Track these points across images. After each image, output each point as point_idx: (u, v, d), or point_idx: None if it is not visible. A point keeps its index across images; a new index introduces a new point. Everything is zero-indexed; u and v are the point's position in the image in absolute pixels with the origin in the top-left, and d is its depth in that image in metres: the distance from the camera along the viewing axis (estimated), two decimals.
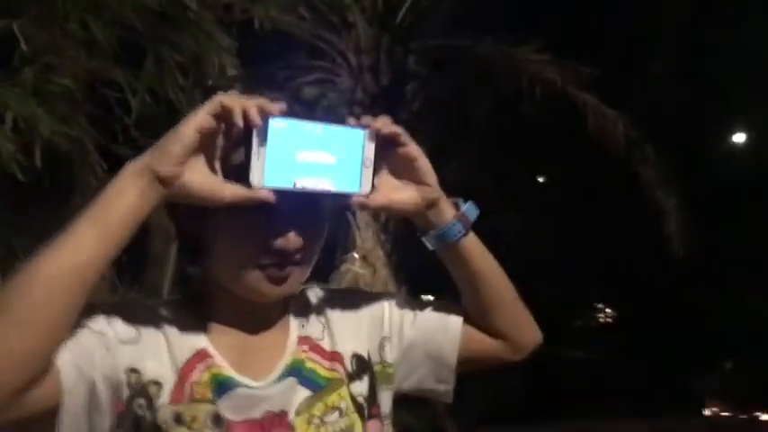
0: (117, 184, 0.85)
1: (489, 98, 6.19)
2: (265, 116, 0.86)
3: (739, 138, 9.77)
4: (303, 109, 1.01)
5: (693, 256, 5.22)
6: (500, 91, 5.61)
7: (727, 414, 4.05)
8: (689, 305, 7.34)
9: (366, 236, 5.48)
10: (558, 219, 8.68)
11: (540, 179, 10.26)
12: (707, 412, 4.20)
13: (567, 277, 9.31)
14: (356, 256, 5.53)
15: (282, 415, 0.96)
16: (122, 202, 0.84)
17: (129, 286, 3.54)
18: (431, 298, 1.23)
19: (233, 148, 0.89)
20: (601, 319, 10.72)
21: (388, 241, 6.01)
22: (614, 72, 5.77)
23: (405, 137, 0.97)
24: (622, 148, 5.00)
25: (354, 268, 5.58)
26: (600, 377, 6.53)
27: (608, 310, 10.64)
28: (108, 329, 0.91)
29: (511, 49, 5.23)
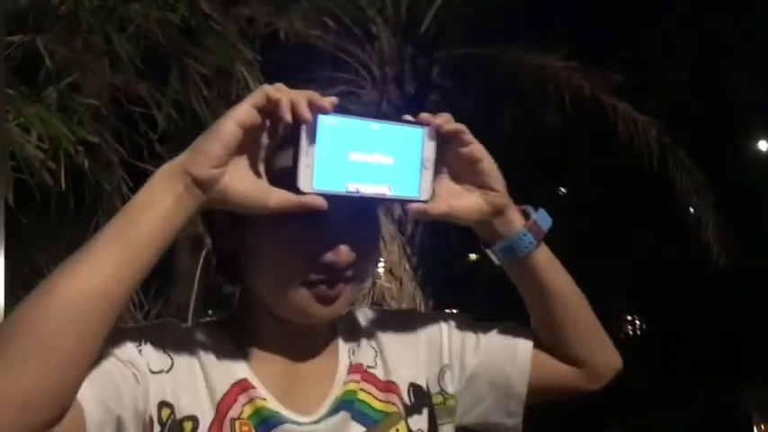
0: (146, 191, 0.74)
1: (515, 107, 6.11)
2: (315, 111, 0.76)
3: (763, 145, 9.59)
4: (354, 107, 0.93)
5: (731, 264, 5.08)
6: (527, 100, 5.52)
7: None
8: (725, 316, 7.15)
9: (392, 248, 5.38)
10: (587, 228, 8.53)
11: (563, 189, 10.13)
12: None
13: (596, 289, 9.11)
14: (382, 269, 5.44)
15: None
16: (153, 212, 0.73)
17: (153, 302, 3.48)
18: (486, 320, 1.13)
19: (279, 147, 0.79)
20: (631, 332, 10.51)
21: (414, 254, 5.92)
22: (639, 79, 5.65)
23: (468, 135, 0.87)
24: (656, 155, 4.87)
25: (380, 282, 5.49)
26: (630, 390, 6.37)
27: (638, 323, 10.42)
28: (138, 358, 0.80)
29: (537, 56, 5.14)
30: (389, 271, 5.50)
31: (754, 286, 6.76)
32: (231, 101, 4.13)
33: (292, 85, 0.79)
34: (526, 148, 7.13)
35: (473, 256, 10.82)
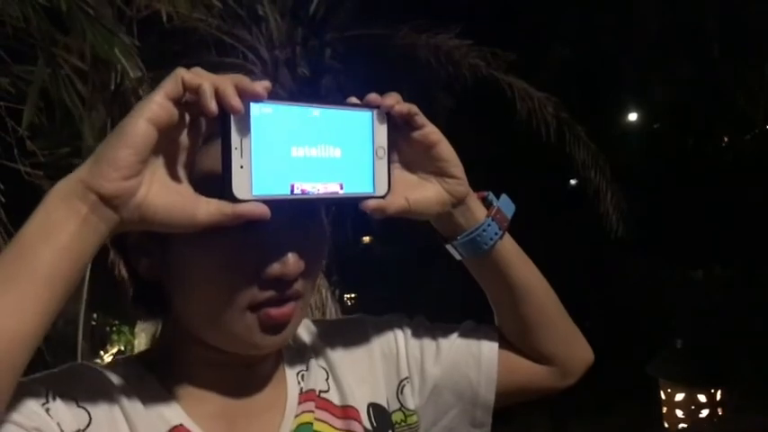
0: (40, 217, 0.58)
1: (412, 88, 6.06)
2: (246, 99, 0.62)
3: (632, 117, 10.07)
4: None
5: (635, 234, 5.30)
6: (423, 81, 5.46)
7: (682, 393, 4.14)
8: (629, 289, 7.49)
9: None
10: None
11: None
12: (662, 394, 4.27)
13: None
14: None
15: None
16: (52, 244, 0.57)
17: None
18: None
19: (204, 145, 0.66)
20: None
21: None
22: (529, 56, 5.74)
23: (421, 117, 0.76)
24: (554, 130, 4.95)
25: None
26: None
27: None
28: (47, 421, 0.65)
29: (430, 37, 5.08)
30: None
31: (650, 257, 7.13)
32: (109, 92, 3.80)
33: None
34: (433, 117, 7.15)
35: (366, 239, 10.83)
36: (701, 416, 4.01)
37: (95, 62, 3.40)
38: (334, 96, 5.95)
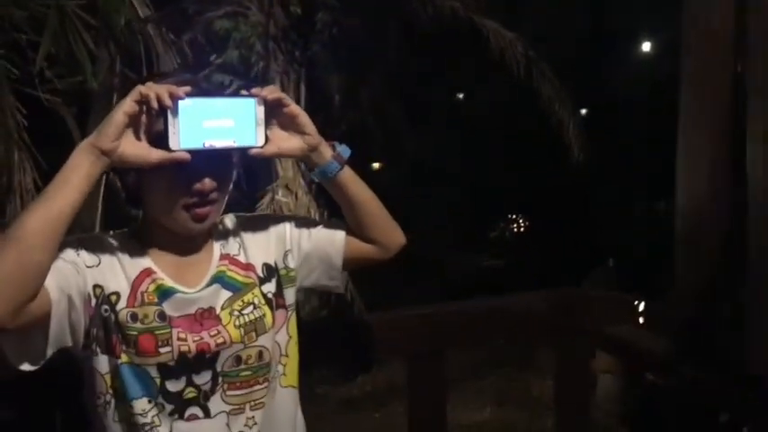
0: (72, 161, 1.16)
1: (399, 24, 6.43)
2: (175, 98, 1.17)
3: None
4: (210, 87, 1.33)
5: (591, 165, 5.79)
6: (409, 21, 5.85)
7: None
8: (586, 211, 8.05)
9: (286, 166, 5.75)
10: (472, 135, 9.13)
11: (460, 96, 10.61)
12: None
13: (483, 190, 9.88)
14: (278, 185, 5.81)
15: (211, 310, 1.31)
16: (78, 173, 1.15)
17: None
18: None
19: (155, 122, 1.20)
20: (515, 229, 11.45)
21: (308, 169, 6.28)
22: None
23: (287, 99, 1.29)
24: (523, 68, 5.40)
25: (278, 197, 5.88)
26: (510, 281, 7.17)
27: (521, 221, 11.36)
28: (77, 259, 1.22)
29: None
30: (286, 186, 5.88)
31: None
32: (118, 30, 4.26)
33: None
34: (412, 60, 7.54)
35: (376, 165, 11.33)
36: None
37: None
38: (328, 31, 6.33)
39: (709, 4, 2.09)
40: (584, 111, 11.82)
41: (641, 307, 4.62)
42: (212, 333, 1.29)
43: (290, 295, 1.42)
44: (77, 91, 4.46)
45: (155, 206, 1.28)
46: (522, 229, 11.34)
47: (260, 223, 1.44)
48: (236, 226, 1.42)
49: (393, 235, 1.48)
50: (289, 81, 6.10)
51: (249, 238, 1.41)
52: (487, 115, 9.44)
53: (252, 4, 5.82)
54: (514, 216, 11.26)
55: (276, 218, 1.48)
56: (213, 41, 6.05)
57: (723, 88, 2.08)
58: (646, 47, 10.98)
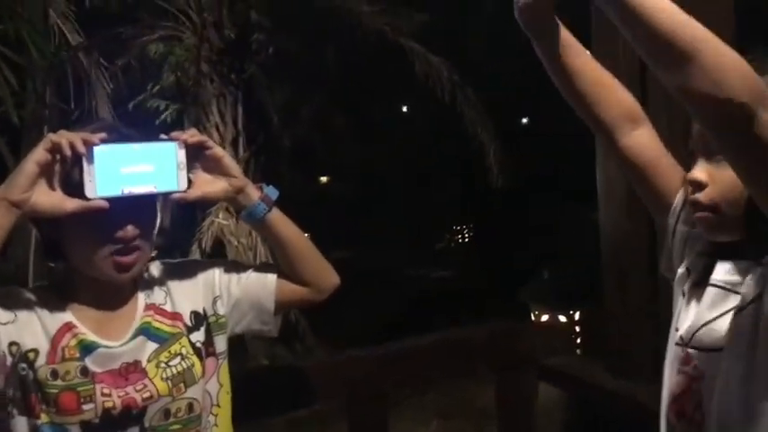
0: None
1: (334, 47, 6.51)
2: (90, 144, 1.15)
3: None
4: (130, 133, 1.27)
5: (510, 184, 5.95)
6: (341, 42, 5.94)
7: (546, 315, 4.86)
8: (527, 220, 8.29)
9: None
10: (412, 152, 9.27)
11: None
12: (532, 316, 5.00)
13: (425, 203, 10.03)
14: (219, 208, 5.79)
15: (137, 363, 1.27)
16: None
17: None
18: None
19: (70, 170, 1.16)
20: (460, 240, 11.63)
21: None
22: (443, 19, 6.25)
23: (209, 143, 1.29)
24: (448, 92, 5.54)
25: (218, 220, 5.85)
26: (455, 292, 7.30)
27: (465, 232, 11.55)
28: None
29: (345, 1, 5.55)
30: (226, 209, 5.86)
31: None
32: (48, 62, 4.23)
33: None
34: (350, 80, 7.63)
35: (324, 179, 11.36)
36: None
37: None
38: (264, 51, 6.36)
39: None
40: (525, 120, 12.13)
41: (562, 319, 4.82)
42: (138, 387, 1.25)
43: (220, 343, 1.38)
44: (8, 120, 4.41)
45: (76, 256, 1.25)
46: (466, 240, 11.52)
47: (187, 270, 1.40)
48: (161, 274, 1.38)
49: (326, 276, 1.45)
50: (226, 103, 6.09)
51: (176, 285, 1.37)
52: (428, 127, 9.59)
53: (187, 28, 5.82)
54: (458, 227, 11.44)
55: (204, 263, 1.45)
56: (148, 66, 6.01)
57: None
58: None
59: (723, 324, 1.02)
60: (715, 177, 1.04)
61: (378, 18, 5.42)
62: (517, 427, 2.38)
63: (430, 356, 2.25)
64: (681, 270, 1.16)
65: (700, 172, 1.05)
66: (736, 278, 1.04)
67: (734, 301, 1.03)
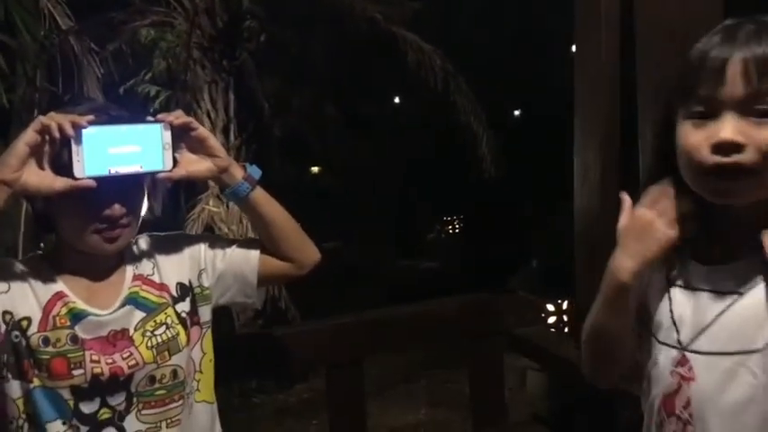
0: None
1: (327, 34, 6.49)
2: (78, 127, 1.19)
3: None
4: (120, 114, 1.31)
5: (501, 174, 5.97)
6: (333, 31, 5.93)
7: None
8: (516, 210, 8.34)
9: None
10: (406, 138, 9.27)
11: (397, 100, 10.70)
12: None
13: (418, 192, 10.04)
14: (209, 195, 5.79)
15: (124, 332, 1.33)
16: None
17: None
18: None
19: (59, 150, 1.22)
20: (450, 231, 11.66)
21: None
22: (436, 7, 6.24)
23: (194, 123, 1.32)
24: (440, 81, 5.54)
25: (208, 207, 5.86)
26: (444, 282, 7.31)
27: (455, 223, 11.58)
28: None
29: None
30: (217, 196, 5.86)
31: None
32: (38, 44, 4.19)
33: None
34: (341, 69, 7.61)
35: (315, 170, 11.34)
36: (549, 321, 4.82)
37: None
38: (256, 38, 6.34)
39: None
40: (517, 112, 12.14)
41: (550, 308, 4.88)
42: (125, 355, 1.30)
43: (205, 313, 1.44)
44: None
45: (65, 231, 1.30)
46: (456, 231, 11.56)
47: (174, 243, 1.46)
48: (149, 246, 1.44)
49: (307, 252, 1.50)
50: (217, 90, 6.08)
51: (163, 258, 1.43)
52: (419, 118, 9.60)
53: (178, 13, 5.79)
54: (449, 218, 11.47)
55: (191, 237, 1.50)
56: (139, 52, 5.98)
57: (612, 106, 2.18)
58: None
59: (723, 328, 1.01)
60: (753, 137, 0.93)
61: (370, 6, 5.41)
62: (487, 395, 2.46)
63: (404, 325, 2.35)
64: (659, 275, 1.13)
65: (735, 132, 0.94)
66: (729, 281, 1.01)
67: (729, 301, 1.01)
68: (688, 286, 1.08)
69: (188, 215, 5.86)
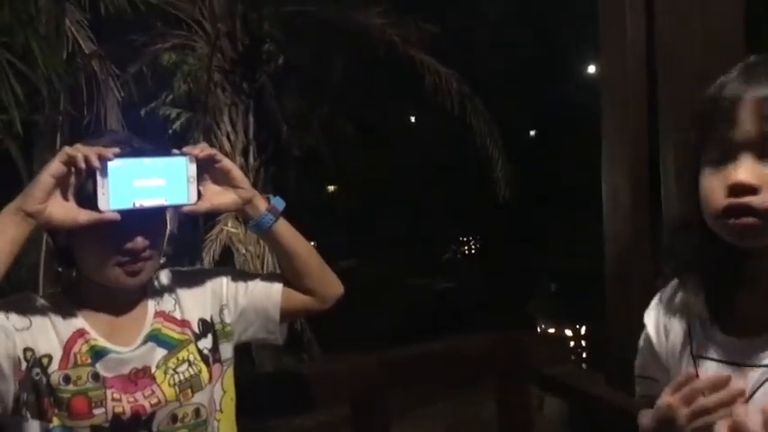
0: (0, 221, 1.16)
1: (343, 59, 6.55)
2: (104, 159, 1.18)
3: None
4: (143, 146, 1.28)
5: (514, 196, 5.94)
6: (351, 53, 5.98)
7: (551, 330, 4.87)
8: (534, 233, 8.29)
9: None
10: (420, 163, 9.30)
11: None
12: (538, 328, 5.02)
13: (435, 212, 10.04)
14: (227, 216, 5.82)
15: (146, 369, 1.29)
16: (3, 237, 1.15)
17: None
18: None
19: (84, 182, 1.19)
20: (466, 251, 11.63)
21: None
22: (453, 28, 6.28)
23: (219, 156, 1.31)
24: (457, 104, 5.55)
25: (227, 228, 5.89)
26: (459, 302, 7.30)
27: (472, 243, 11.55)
28: (6, 323, 1.21)
29: (355, 12, 5.59)
30: (236, 217, 5.90)
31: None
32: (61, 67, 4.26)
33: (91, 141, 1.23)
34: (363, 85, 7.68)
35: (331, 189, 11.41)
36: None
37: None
38: (275, 61, 6.41)
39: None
40: (532, 132, 12.13)
41: (568, 333, 4.83)
42: (146, 393, 1.27)
43: (226, 350, 1.40)
44: (22, 124, 4.46)
45: (87, 265, 1.27)
46: (473, 251, 11.52)
47: (196, 278, 1.42)
48: (171, 282, 1.40)
49: (330, 285, 1.46)
50: (237, 112, 6.14)
51: (185, 293, 1.39)
52: (437, 138, 9.62)
53: (200, 38, 5.87)
54: (465, 238, 11.44)
55: (212, 272, 1.47)
56: (160, 74, 6.06)
57: (639, 124, 2.16)
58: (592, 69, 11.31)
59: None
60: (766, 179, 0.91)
61: (389, 30, 5.45)
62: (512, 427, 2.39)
63: (432, 364, 2.27)
64: (679, 333, 1.08)
65: (748, 174, 0.92)
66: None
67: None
68: (719, 359, 1.01)
69: (206, 236, 5.90)
